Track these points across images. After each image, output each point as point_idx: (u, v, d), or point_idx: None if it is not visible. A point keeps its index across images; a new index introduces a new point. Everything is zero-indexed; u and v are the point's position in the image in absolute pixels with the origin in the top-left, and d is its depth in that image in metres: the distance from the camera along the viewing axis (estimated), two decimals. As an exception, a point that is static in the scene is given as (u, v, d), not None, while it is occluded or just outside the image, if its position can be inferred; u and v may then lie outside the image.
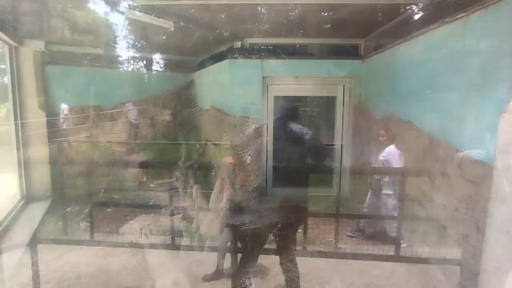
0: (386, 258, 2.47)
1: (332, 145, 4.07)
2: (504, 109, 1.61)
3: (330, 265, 2.60)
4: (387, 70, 3.33)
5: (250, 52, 3.99)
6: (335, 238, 2.95)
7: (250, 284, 2.04)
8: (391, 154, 2.81)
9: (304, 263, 2.32)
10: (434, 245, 2.33)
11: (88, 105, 4.60)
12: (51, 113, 4.35)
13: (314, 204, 3.77)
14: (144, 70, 5.02)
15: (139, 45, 4.66)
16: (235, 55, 3.99)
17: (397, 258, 2.38)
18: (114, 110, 4.91)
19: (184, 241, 2.61)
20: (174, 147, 4.85)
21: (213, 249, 2.47)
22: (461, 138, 2.08)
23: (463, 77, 2.09)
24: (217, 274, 2.35)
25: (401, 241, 2.48)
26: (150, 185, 4.47)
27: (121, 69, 4.82)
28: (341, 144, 4.03)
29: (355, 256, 2.68)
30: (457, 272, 2.03)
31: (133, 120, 5.09)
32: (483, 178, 1.83)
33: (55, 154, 4.38)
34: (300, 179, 4.12)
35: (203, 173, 3.73)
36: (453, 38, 2.24)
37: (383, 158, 2.81)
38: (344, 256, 2.72)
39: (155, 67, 5.09)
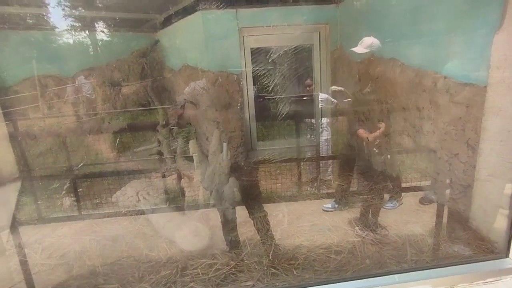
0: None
1: (311, 94, 4.12)
2: (496, 27, 1.71)
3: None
4: (364, 11, 3.34)
5: (223, 1, 3.76)
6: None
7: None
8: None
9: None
10: (423, 170, 2.53)
11: (43, 75, 4.12)
12: (2, 88, 3.86)
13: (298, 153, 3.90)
14: (103, 32, 4.53)
15: (95, 3, 4.17)
16: (206, 6, 3.73)
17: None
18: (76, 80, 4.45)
19: (187, 198, 2.58)
20: (148, 112, 4.59)
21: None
22: (448, 65, 2.19)
23: (449, 4, 2.16)
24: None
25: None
26: (133, 152, 4.25)
27: (78, 32, 4.31)
28: (319, 93, 4.08)
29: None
30: (448, 188, 2.24)
31: (88, 95, 4.67)
32: (473, 99, 1.97)
33: (15, 132, 3.96)
34: (282, 131, 4.20)
35: (186, 133, 3.63)
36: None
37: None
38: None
39: (115, 27, 4.62)
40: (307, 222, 2.28)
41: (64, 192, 3.32)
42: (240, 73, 3.88)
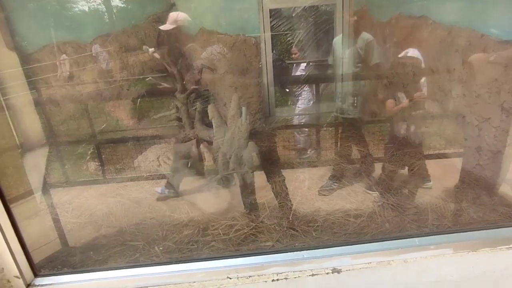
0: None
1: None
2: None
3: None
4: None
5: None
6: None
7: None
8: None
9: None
10: (449, 136, 2.43)
11: (62, 42, 4.13)
12: (22, 54, 3.91)
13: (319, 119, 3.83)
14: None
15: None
16: (223, -36, 3.54)
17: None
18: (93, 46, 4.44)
19: (206, 163, 2.62)
20: (166, 78, 4.57)
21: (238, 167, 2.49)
22: (487, 22, 2.01)
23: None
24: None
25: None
26: (153, 119, 4.31)
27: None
28: (342, 58, 3.90)
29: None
30: (475, 154, 2.15)
31: (103, 64, 4.65)
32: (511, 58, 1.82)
33: (39, 99, 4.07)
34: (301, 97, 4.10)
35: (205, 100, 3.62)
36: None
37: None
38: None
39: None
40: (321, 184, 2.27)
41: (88, 157, 3.45)
42: (259, 36, 3.74)
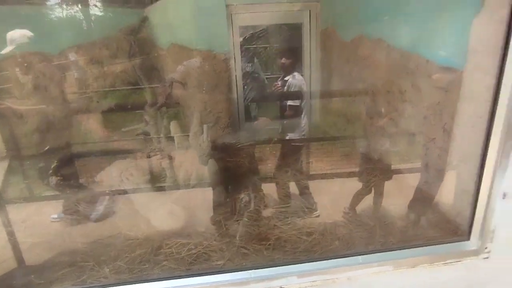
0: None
1: (301, 74, 4.05)
2: (477, 11, 1.66)
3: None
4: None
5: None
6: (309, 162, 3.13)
7: (249, 200, 2.14)
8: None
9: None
10: (403, 153, 2.54)
11: (28, 52, 4.03)
12: (-15, 65, 3.78)
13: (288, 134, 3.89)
14: (89, 8, 4.40)
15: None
16: (193, -18, 3.61)
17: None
18: (63, 57, 4.37)
19: (168, 179, 2.61)
20: (136, 92, 4.54)
21: (199, 184, 2.51)
22: (432, 49, 2.15)
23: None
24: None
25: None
26: (121, 131, 4.24)
27: (62, 8, 4.18)
28: (309, 73, 4.02)
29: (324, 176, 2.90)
30: (424, 172, 2.27)
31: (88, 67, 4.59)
32: (451, 84, 1.95)
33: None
34: (271, 111, 4.17)
35: (174, 113, 3.61)
36: None
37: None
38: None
39: (102, 3, 4.48)
40: (282, 204, 2.32)
41: (50, 171, 3.35)
42: (228, 52, 3.80)
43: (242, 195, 2.17)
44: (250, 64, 4.11)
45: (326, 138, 3.56)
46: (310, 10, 3.81)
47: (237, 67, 3.88)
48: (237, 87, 3.96)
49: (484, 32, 1.60)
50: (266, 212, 2.16)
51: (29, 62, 4.15)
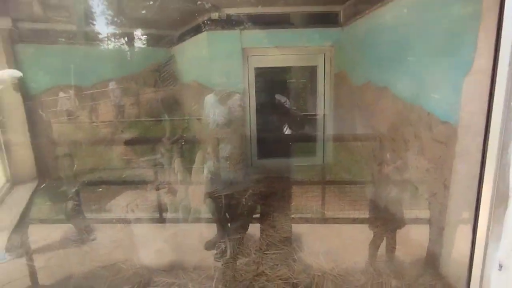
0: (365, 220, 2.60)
1: (315, 115, 4.11)
2: (468, 70, 1.65)
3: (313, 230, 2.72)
4: (365, 37, 3.31)
5: (228, 23, 3.90)
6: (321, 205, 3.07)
7: (225, 249, 2.13)
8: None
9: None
10: (407, 205, 2.44)
11: (65, 85, 4.48)
12: (27, 95, 4.24)
13: (299, 173, 3.89)
14: (122, 46, 4.85)
15: (116, 19, 4.49)
16: (213, 27, 3.90)
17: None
18: (95, 90, 4.79)
19: (169, 214, 2.68)
20: (158, 124, 4.81)
21: (197, 220, 2.56)
22: (432, 102, 2.13)
23: (434, 41, 2.11)
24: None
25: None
26: (137, 163, 4.48)
27: (98, 46, 4.66)
28: (323, 114, 4.06)
29: (336, 221, 2.82)
30: (427, 229, 2.15)
31: (116, 99, 5.00)
32: (450, 138, 1.90)
33: (37, 136, 4.32)
34: (284, 150, 4.21)
35: (188, 148, 3.77)
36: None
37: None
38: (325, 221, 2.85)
39: (134, 42, 4.92)
40: (275, 249, 2.28)
41: (70, 195, 3.58)
42: (243, 91, 3.97)
43: (219, 243, 2.17)
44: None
45: (336, 181, 3.50)
46: (324, 54, 3.93)
47: (251, 104, 4.02)
48: (250, 124, 4.08)
49: (473, 91, 1.59)
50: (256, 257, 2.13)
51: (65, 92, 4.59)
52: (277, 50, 3.90)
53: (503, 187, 1.38)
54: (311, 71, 4.13)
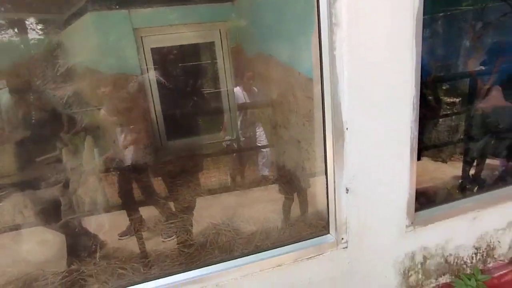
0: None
1: (219, 90, 4.20)
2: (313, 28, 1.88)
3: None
4: (252, 10, 3.46)
5: (113, 2, 3.67)
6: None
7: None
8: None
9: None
10: (295, 158, 2.72)
11: None
12: None
13: (209, 150, 3.98)
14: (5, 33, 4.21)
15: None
16: (97, 7, 3.63)
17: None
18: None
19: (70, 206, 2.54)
20: (55, 119, 4.37)
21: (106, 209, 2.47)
22: (300, 62, 2.37)
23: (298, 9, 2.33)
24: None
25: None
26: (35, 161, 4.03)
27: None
28: (227, 89, 4.17)
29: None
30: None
31: None
32: (314, 93, 2.16)
33: None
34: (193, 129, 4.24)
35: (90, 139, 3.54)
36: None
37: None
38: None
39: (16, 29, 4.31)
40: (176, 219, 2.35)
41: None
42: (141, 73, 3.84)
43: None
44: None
45: (242, 150, 3.69)
46: (220, 30, 4.00)
47: (153, 86, 3.92)
48: (154, 106, 3.99)
49: (316, 47, 1.81)
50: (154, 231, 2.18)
51: None
52: (172, 29, 3.83)
53: (338, 124, 1.65)
54: (210, 47, 4.17)
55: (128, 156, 2.93)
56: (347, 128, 1.63)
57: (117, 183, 2.46)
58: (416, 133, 1.79)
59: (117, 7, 3.60)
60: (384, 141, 1.73)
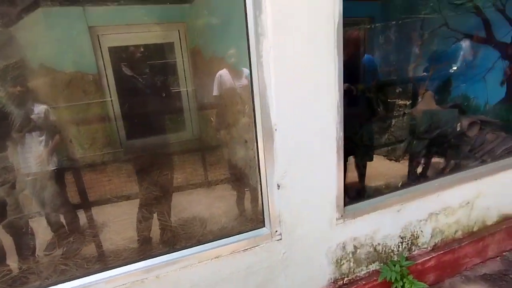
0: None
1: (178, 90, 4.26)
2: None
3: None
4: (209, 11, 3.55)
5: (67, -1, 3.63)
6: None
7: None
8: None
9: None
10: (244, 157, 2.86)
11: None
12: None
13: (169, 149, 4.03)
14: None
15: None
16: (49, 2, 3.57)
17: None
18: None
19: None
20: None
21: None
22: (244, 66, 2.50)
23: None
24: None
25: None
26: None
27: None
28: (186, 89, 4.24)
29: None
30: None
31: None
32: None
33: None
34: (153, 128, 4.27)
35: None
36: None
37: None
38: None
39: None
40: (127, 216, 2.42)
41: None
42: (98, 72, 3.82)
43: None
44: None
45: (199, 149, 3.78)
46: (178, 30, 4.05)
47: (111, 85, 3.90)
48: (113, 106, 3.98)
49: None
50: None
51: None
52: (130, 28, 3.83)
53: (268, 125, 1.80)
54: (169, 48, 4.21)
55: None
56: (276, 129, 1.79)
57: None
58: (342, 134, 1.98)
59: (70, 3, 3.54)
60: (312, 141, 1.91)
